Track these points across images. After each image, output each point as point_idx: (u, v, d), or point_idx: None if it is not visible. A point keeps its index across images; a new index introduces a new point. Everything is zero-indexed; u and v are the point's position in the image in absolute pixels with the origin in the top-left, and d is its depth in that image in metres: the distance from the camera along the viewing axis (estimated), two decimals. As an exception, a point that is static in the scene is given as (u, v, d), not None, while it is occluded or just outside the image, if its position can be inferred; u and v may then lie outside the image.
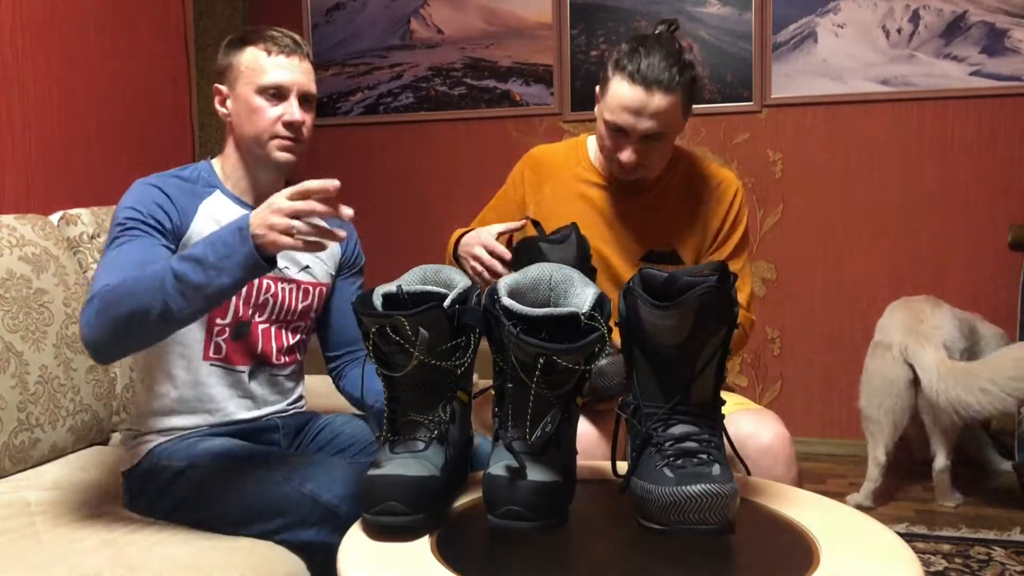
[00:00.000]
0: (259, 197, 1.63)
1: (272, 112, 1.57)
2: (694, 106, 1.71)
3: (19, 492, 1.70)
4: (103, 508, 1.65)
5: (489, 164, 3.58)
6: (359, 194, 3.71)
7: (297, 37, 1.63)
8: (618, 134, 1.66)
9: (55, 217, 2.09)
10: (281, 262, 1.64)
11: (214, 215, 1.59)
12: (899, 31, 3.17)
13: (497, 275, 1.59)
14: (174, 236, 1.54)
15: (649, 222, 1.78)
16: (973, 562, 2.41)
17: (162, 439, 1.61)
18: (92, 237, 2.08)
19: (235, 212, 1.61)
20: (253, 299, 1.63)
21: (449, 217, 3.64)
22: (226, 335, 1.61)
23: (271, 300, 1.64)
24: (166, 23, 2.89)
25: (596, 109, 1.72)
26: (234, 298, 1.59)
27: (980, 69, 3.11)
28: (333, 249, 1.74)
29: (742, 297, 1.76)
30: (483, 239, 1.67)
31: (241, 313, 1.62)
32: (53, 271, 1.93)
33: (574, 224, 1.60)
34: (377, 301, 1.23)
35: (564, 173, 1.84)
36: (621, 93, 1.62)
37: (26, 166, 2.33)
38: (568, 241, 1.55)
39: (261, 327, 1.65)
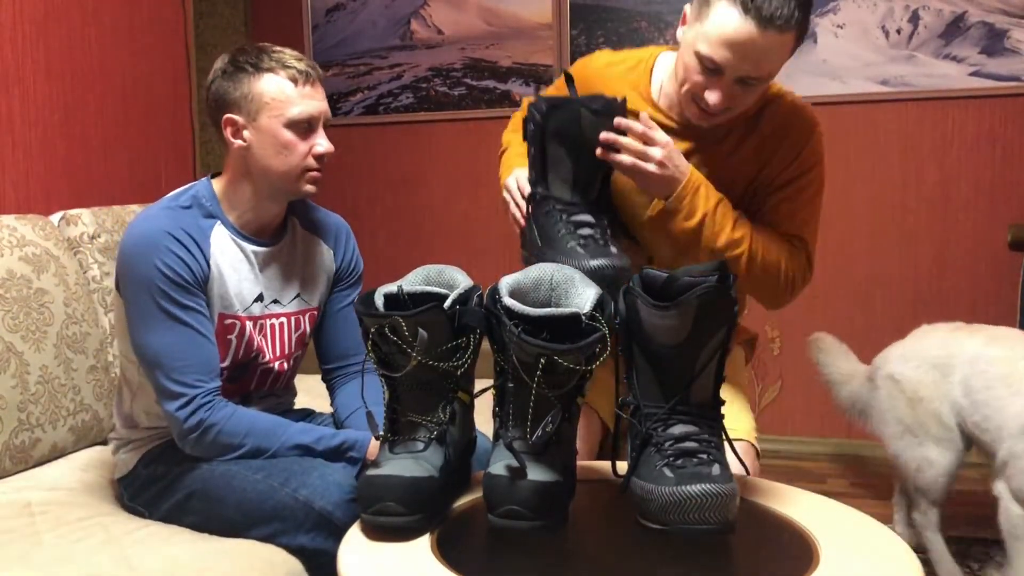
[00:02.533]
0: (260, 229, 1.61)
1: (303, 146, 1.53)
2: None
3: (20, 492, 1.70)
4: (104, 508, 1.65)
5: (489, 164, 3.57)
6: (359, 194, 3.71)
7: (311, 61, 1.57)
8: (710, 72, 1.41)
9: (55, 217, 2.09)
10: (272, 295, 1.63)
11: (221, 257, 1.55)
12: (899, 31, 3.17)
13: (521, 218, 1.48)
14: (200, 285, 1.52)
15: (716, 178, 1.53)
16: (973, 561, 2.40)
17: (153, 444, 1.61)
18: (92, 237, 2.08)
19: (237, 252, 1.57)
20: (256, 345, 1.61)
21: (449, 217, 3.65)
22: (223, 377, 1.58)
23: (267, 340, 1.63)
24: (166, 23, 2.89)
25: (682, 34, 1.46)
26: (232, 349, 1.58)
27: (980, 69, 3.11)
28: (327, 266, 1.71)
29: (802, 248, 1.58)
30: (517, 174, 1.54)
31: (242, 356, 1.61)
32: (53, 271, 1.93)
33: (623, 100, 1.43)
34: (379, 301, 1.23)
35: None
36: (726, 23, 1.36)
37: (26, 166, 2.33)
38: (610, 110, 1.38)
39: (261, 368, 1.64)
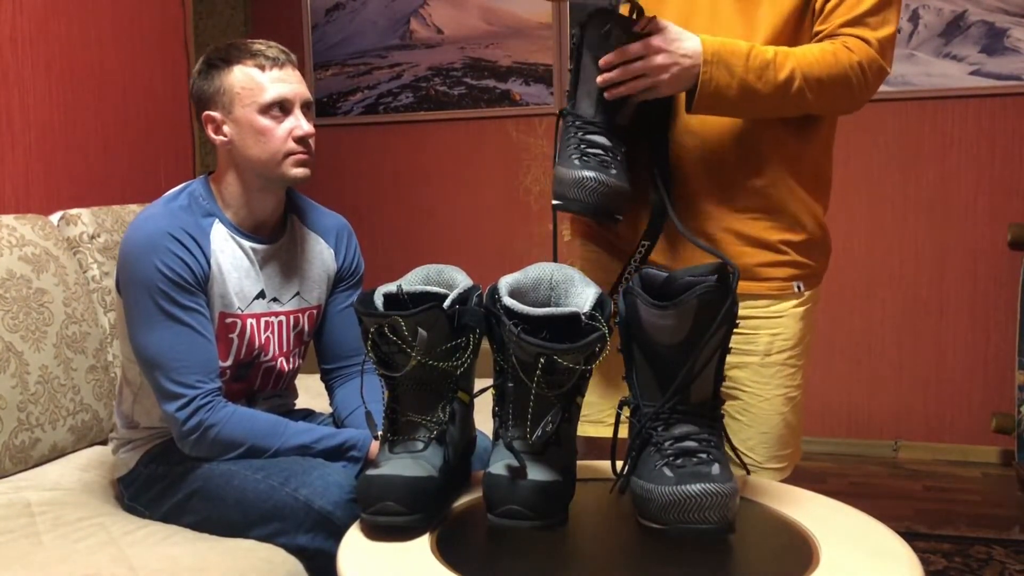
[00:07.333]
0: (257, 225, 1.61)
1: (281, 130, 1.52)
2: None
3: (19, 492, 1.70)
4: (103, 508, 1.65)
5: (489, 164, 3.58)
6: (359, 194, 3.71)
7: (281, 46, 1.58)
8: None
9: (55, 217, 2.09)
10: (273, 292, 1.63)
11: (222, 255, 1.56)
12: (898, 30, 3.16)
13: None
14: (200, 285, 1.52)
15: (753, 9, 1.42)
16: (973, 561, 2.41)
17: (153, 443, 1.61)
18: (92, 237, 2.08)
19: (237, 249, 1.57)
20: (257, 343, 1.61)
21: (449, 217, 3.65)
22: (226, 377, 1.59)
23: (270, 337, 1.63)
24: (166, 23, 2.89)
25: None
26: (234, 348, 1.58)
27: (980, 69, 3.11)
28: (328, 265, 1.71)
29: (872, 35, 1.47)
30: None
31: (244, 355, 1.61)
32: (53, 271, 1.93)
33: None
34: (378, 301, 1.23)
35: None
36: None
37: (26, 166, 2.33)
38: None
39: (264, 366, 1.64)
